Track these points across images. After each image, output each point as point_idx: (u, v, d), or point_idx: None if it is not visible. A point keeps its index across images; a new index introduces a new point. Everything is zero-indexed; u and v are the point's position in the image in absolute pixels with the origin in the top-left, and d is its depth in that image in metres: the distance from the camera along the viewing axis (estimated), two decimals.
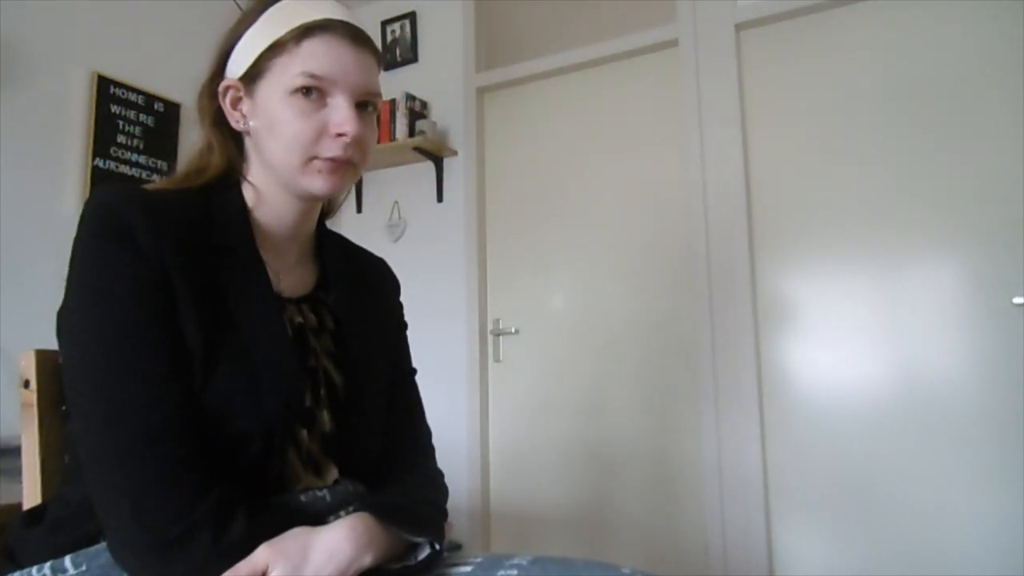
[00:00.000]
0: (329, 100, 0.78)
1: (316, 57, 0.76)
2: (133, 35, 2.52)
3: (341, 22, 0.78)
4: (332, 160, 0.78)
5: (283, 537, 0.70)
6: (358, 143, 0.79)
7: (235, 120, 0.82)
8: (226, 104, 0.81)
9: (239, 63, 0.80)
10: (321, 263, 0.91)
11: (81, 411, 0.69)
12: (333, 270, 0.91)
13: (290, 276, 0.86)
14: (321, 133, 0.77)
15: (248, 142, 0.83)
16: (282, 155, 0.78)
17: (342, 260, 0.94)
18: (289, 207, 0.84)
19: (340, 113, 0.77)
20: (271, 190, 0.83)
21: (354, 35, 0.79)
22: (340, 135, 0.77)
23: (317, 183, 0.78)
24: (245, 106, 0.81)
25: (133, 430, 0.67)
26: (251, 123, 0.81)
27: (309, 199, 0.83)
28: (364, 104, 0.81)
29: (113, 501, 0.67)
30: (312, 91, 0.76)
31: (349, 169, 0.80)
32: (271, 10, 0.79)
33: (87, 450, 0.68)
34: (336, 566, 0.69)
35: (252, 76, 0.79)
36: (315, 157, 0.78)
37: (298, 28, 0.77)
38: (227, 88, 0.81)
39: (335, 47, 0.77)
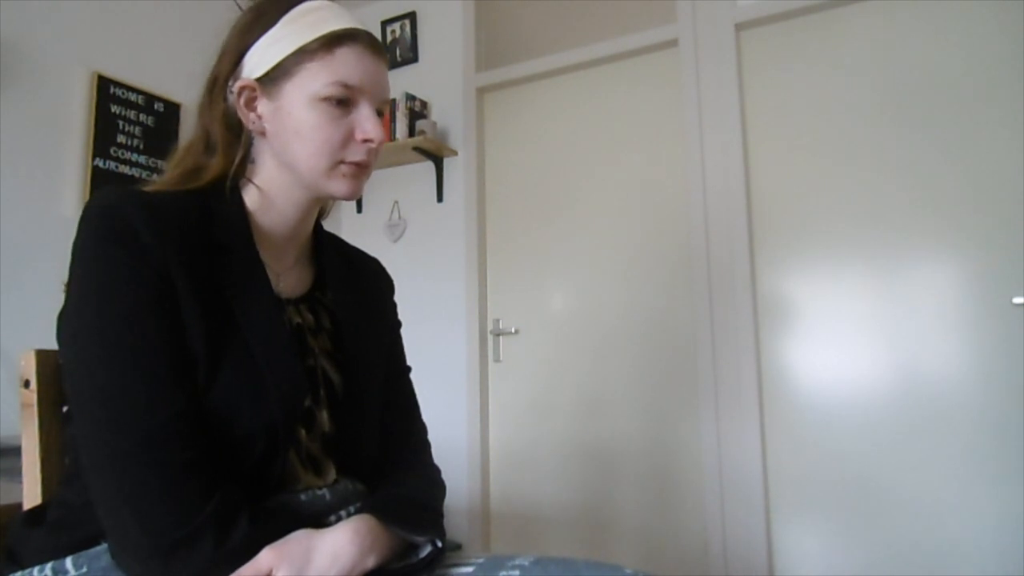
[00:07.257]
0: (354, 107, 0.81)
1: (348, 66, 0.79)
2: (133, 35, 2.52)
3: (366, 33, 0.82)
4: (357, 164, 0.82)
5: (286, 540, 0.70)
6: (376, 147, 0.83)
7: (250, 121, 0.81)
8: (240, 104, 0.81)
9: (258, 64, 0.80)
10: (318, 263, 0.92)
11: (83, 415, 0.69)
12: (330, 270, 0.91)
13: (288, 277, 0.86)
14: (348, 138, 0.81)
15: (259, 143, 0.83)
16: (309, 158, 0.80)
17: (338, 260, 0.95)
18: (295, 208, 0.84)
19: (368, 121, 0.81)
20: (280, 192, 0.83)
21: (376, 46, 0.82)
22: (367, 141, 0.81)
23: (343, 186, 0.82)
24: (262, 107, 0.81)
25: (136, 434, 0.66)
26: (267, 125, 0.81)
27: (328, 201, 0.87)
28: (379, 110, 0.84)
29: (115, 506, 0.67)
30: (343, 99, 0.79)
31: (367, 172, 0.84)
32: (292, 14, 0.80)
33: (89, 454, 0.68)
34: (340, 569, 0.70)
35: (273, 78, 0.79)
36: (341, 161, 0.81)
37: (328, 36, 0.78)
38: (243, 88, 0.81)
39: (363, 57, 0.80)
